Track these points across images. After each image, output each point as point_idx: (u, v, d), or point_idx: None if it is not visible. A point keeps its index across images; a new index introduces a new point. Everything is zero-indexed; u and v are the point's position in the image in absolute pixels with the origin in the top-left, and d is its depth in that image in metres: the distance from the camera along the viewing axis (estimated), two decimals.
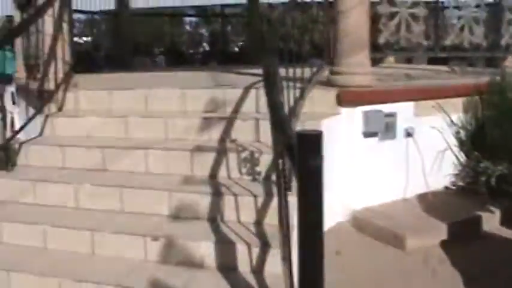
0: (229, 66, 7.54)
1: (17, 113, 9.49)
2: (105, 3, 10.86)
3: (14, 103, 9.64)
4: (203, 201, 3.69)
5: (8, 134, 9.83)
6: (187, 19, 23.38)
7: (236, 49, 18.03)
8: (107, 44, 11.86)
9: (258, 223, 3.54)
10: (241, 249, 3.26)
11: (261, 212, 3.56)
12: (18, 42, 6.11)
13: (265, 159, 3.85)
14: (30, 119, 4.93)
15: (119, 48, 9.33)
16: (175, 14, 19.51)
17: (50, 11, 5.02)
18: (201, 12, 20.59)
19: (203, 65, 11.84)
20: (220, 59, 12.39)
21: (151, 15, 16.69)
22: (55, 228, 3.71)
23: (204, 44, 20.82)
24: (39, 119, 4.95)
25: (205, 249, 3.33)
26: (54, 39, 5.12)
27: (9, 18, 28.99)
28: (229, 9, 18.21)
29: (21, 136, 4.93)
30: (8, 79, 10.78)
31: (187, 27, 26.05)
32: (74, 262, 3.48)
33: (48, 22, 5.04)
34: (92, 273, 3.32)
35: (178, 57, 13.66)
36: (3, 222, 3.87)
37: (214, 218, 3.65)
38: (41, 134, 4.89)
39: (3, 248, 3.77)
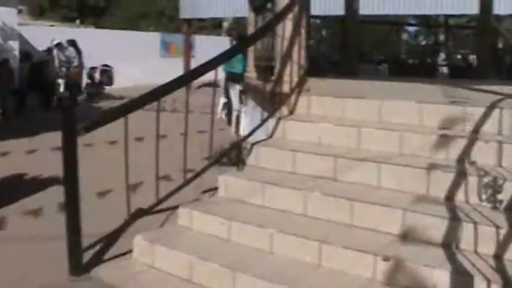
0: (457, 80, 6.95)
1: (243, 112, 9.82)
2: (333, 8, 10.89)
3: (241, 102, 10.04)
4: (438, 225, 3.39)
5: (233, 131, 10.38)
6: (408, 28, 22.72)
7: (461, 61, 16.98)
8: (330, 49, 11.89)
9: (498, 257, 3.17)
10: (479, 284, 2.92)
11: (503, 245, 3.18)
12: None
13: (509, 187, 3.45)
14: (264, 121, 4.99)
15: (346, 54, 9.24)
16: (397, 23, 19.00)
17: (290, 15, 5.04)
18: (423, 21, 19.82)
19: (427, 76, 11.23)
20: (444, 71, 11.68)
21: (373, 23, 16.43)
22: (282, 234, 3.66)
23: (428, 54, 20.03)
24: (270, 121, 4.99)
25: (439, 278, 3.03)
26: (291, 43, 5.13)
27: (237, 20, 30.97)
28: (453, 20, 17.25)
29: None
30: (236, 78, 11.30)
31: (407, 36, 25.30)
32: (300, 271, 3.40)
33: (288, 26, 5.06)
34: (318, 286, 3.22)
35: (400, 67, 13.23)
36: (232, 221, 3.94)
37: (449, 245, 3.32)
38: (271, 136, 4.91)
39: (230, 247, 3.84)
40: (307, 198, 3.91)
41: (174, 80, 4.63)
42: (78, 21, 30.28)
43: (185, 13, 20.25)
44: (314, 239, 3.51)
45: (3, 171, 6.83)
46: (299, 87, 5.16)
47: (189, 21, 20.91)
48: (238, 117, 10.43)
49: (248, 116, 7.74)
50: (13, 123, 11.61)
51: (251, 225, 3.84)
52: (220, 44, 25.62)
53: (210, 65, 4.77)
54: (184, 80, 5.26)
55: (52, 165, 6.04)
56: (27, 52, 15.24)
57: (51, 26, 22.19)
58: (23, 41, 15.97)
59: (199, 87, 21.35)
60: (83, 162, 3.96)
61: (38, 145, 8.77)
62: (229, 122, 10.57)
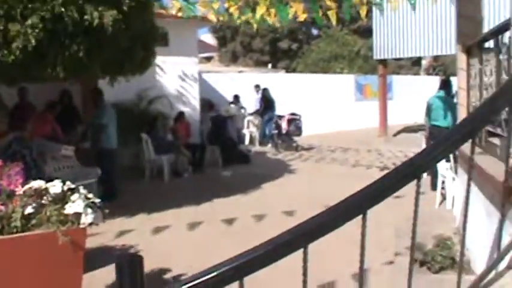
0: None
1: (452, 180, 7.34)
2: None
3: (450, 166, 7.60)
4: None
5: (438, 202, 7.94)
6: None
7: None
8: None
9: None
10: None
11: None
12: None
13: None
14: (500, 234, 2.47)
15: None
16: None
17: None
18: None
19: None
20: None
21: None
22: None
23: None
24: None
25: None
26: None
27: (436, 57, 27.51)
28: None
29: None
30: (441, 134, 8.91)
31: None
32: None
33: None
34: None
35: None
36: None
37: None
38: None
39: None
40: None
41: None
42: (270, 65, 29.70)
43: (380, 53, 18.29)
44: None
45: None
46: None
47: (384, 61, 18.81)
48: (443, 184, 7.81)
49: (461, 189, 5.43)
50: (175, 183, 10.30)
51: None
52: (420, 84, 23.20)
53: None
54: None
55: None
56: (208, 101, 14.18)
57: (240, 72, 21.47)
58: (207, 90, 15.07)
59: (398, 133, 19.01)
60: None
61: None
62: (433, 186, 7.97)
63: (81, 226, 3.39)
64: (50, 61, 5.48)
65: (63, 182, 3.77)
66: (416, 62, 33.72)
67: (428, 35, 16.58)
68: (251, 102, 16.73)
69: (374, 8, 17.54)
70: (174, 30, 12.12)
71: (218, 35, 34.43)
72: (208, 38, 31.32)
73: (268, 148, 15.59)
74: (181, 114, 12.10)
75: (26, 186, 3.38)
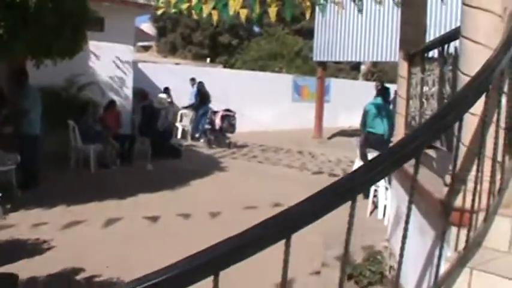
0: None
1: (385, 189, 7.38)
2: None
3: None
4: None
5: (369, 210, 7.98)
6: None
7: None
8: None
9: None
10: None
11: None
12: None
13: None
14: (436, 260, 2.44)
15: None
16: None
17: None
18: None
19: None
20: None
21: None
22: None
23: None
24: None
25: None
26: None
27: (375, 63, 28.12)
28: None
29: None
30: (375, 141, 8.94)
31: None
32: None
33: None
34: None
35: None
36: None
37: None
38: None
39: None
40: None
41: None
42: (208, 60, 29.35)
43: (319, 55, 18.36)
44: None
45: None
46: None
47: (324, 64, 18.90)
48: (376, 193, 7.87)
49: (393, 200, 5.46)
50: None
51: None
52: (358, 89, 23.57)
53: None
54: None
55: None
56: (142, 91, 13.73)
57: (177, 64, 21.03)
58: (142, 80, 14.65)
59: (333, 136, 19.20)
60: None
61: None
62: (365, 194, 8.01)
63: None
64: None
65: None
66: (355, 66, 34.32)
67: (370, 40, 16.77)
68: (186, 96, 16.41)
69: (317, 9, 17.63)
70: (111, 15, 11.66)
71: (158, 25, 33.73)
72: (148, 27, 30.60)
73: (201, 143, 15.33)
74: (111, 102, 11.65)
75: None
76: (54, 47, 6.51)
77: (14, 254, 5.35)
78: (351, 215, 1.72)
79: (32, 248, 5.52)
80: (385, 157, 1.89)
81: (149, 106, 12.95)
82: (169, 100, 14.85)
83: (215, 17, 8.71)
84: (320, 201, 1.64)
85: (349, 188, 1.71)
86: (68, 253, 5.44)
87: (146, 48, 29.34)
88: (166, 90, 15.54)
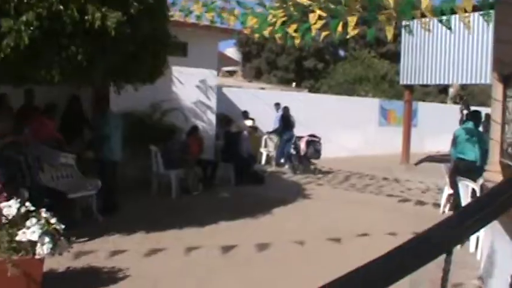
0: None
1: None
2: None
3: None
4: None
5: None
6: None
7: None
8: None
9: None
10: None
11: None
12: None
13: None
14: None
15: None
16: None
17: None
18: None
19: None
20: None
21: None
22: None
23: None
24: None
25: None
26: None
27: (464, 86, 27.16)
28: None
29: None
30: (466, 168, 8.35)
31: None
32: None
33: None
34: None
35: None
36: None
37: None
38: None
39: None
40: None
41: None
42: (293, 84, 29.17)
43: (406, 78, 17.70)
44: None
45: None
46: None
47: (411, 87, 18.20)
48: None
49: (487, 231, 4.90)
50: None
51: None
52: (446, 112, 22.51)
53: None
54: None
55: None
56: (226, 116, 13.69)
57: (262, 88, 20.95)
58: (226, 105, 14.63)
59: (420, 161, 18.30)
60: None
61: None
62: None
63: (37, 257, 2.87)
64: (44, 62, 5.03)
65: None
66: (443, 89, 32.97)
67: (458, 62, 15.91)
68: (270, 121, 16.20)
69: (403, 31, 17.19)
70: (194, 40, 11.72)
71: (243, 50, 34.11)
72: (233, 52, 31.00)
73: (285, 169, 15.01)
74: (194, 128, 11.59)
75: None
76: (133, 73, 6.45)
77: (88, 283, 5.23)
78: (446, 270, 1.31)
79: (107, 277, 5.36)
80: (490, 200, 1.45)
81: (229, 131, 12.84)
82: (250, 125, 14.71)
83: (297, 40, 8.54)
84: (406, 256, 1.23)
85: (444, 240, 1.29)
86: (143, 284, 5.25)
87: (231, 73, 29.65)
88: (245, 114, 15.42)
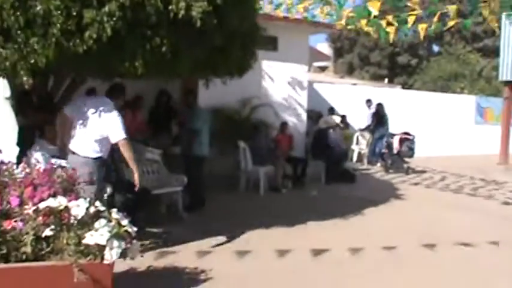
0: None
1: None
2: None
3: None
4: None
5: None
6: None
7: None
8: None
9: None
10: None
11: None
12: None
13: None
14: None
15: None
16: None
17: None
18: None
19: None
20: None
21: None
22: None
23: None
24: None
25: None
26: None
27: None
28: None
29: None
30: None
31: None
32: None
33: None
34: None
35: None
36: None
37: None
38: None
39: None
40: None
41: None
42: (386, 80, 28.18)
43: (506, 74, 16.53)
44: None
45: None
46: None
47: (511, 83, 16.94)
48: None
49: None
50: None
51: None
52: None
53: None
54: None
55: None
56: (317, 113, 13.29)
57: (354, 84, 20.30)
58: (317, 101, 14.23)
59: None
60: None
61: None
62: None
63: (106, 262, 2.63)
64: (127, 54, 4.87)
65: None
66: None
67: None
68: (362, 117, 15.60)
69: (504, 24, 16.01)
70: (284, 34, 11.39)
71: (335, 45, 33.41)
72: (325, 47, 30.36)
73: (377, 168, 14.38)
74: (284, 124, 11.27)
75: (43, 204, 2.66)
76: (221, 66, 6.18)
77: (169, 283, 5.04)
78: None
79: (188, 278, 5.14)
80: None
81: (324, 129, 12.40)
82: (338, 121, 14.23)
83: (392, 35, 8.01)
84: None
85: None
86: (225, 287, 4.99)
87: (323, 69, 29.12)
88: (332, 110, 14.91)
